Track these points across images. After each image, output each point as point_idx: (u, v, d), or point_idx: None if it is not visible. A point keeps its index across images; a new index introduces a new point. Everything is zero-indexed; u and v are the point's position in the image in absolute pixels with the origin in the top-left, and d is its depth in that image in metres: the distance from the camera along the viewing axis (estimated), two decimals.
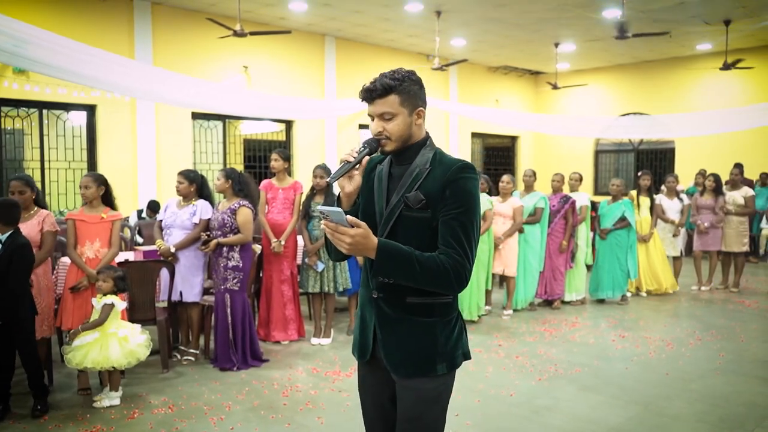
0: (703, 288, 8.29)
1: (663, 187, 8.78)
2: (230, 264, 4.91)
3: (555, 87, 13.34)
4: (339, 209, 1.77)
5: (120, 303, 4.20)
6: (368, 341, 2.07)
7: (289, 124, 11.74)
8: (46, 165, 9.02)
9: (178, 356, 5.20)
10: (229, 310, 4.90)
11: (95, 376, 4.44)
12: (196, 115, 10.36)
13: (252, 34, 9.12)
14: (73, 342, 4.02)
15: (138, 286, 4.76)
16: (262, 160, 11.44)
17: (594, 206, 8.17)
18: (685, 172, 11.81)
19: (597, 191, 15.09)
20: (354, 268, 5.86)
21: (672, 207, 8.21)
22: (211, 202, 5.24)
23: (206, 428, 3.82)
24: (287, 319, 5.71)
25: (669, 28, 10.98)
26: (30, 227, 4.24)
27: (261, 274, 5.83)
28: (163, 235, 5.17)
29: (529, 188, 7.15)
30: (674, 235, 8.21)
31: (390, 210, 1.98)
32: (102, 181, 4.53)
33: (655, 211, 7.90)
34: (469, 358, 2.10)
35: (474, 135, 15.11)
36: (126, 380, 4.55)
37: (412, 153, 2.00)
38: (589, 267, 7.75)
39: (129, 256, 5.54)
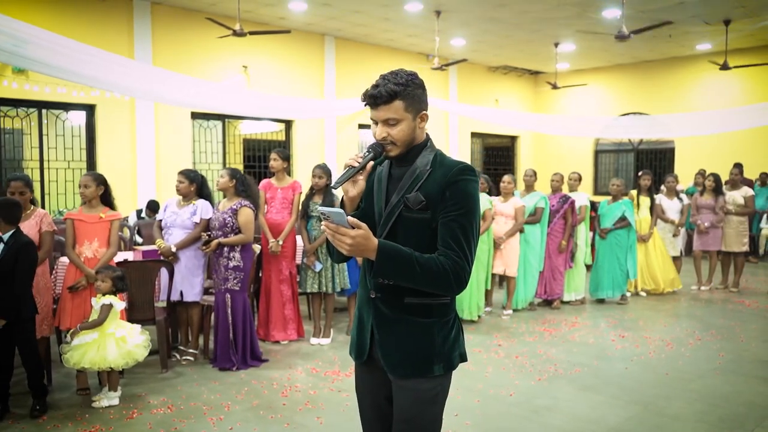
0: (702, 288, 8.29)
1: (663, 187, 8.78)
2: (231, 264, 4.90)
3: (555, 87, 13.34)
4: (340, 210, 1.76)
5: (119, 303, 4.19)
6: (365, 341, 2.06)
7: (288, 123, 11.74)
8: (45, 165, 9.02)
9: (178, 356, 5.20)
10: (229, 310, 4.90)
11: (94, 376, 4.43)
12: (195, 115, 10.36)
13: (251, 33, 9.12)
14: (72, 341, 4.01)
15: (137, 286, 4.76)
16: (261, 159, 11.44)
17: (593, 206, 8.16)
18: (684, 172, 11.81)
19: (597, 191, 15.09)
20: (353, 268, 5.85)
21: (672, 207, 8.20)
22: (211, 202, 5.23)
23: (205, 428, 3.82)
24: (286, 319, 5.70)
25: (669, 28, 10.98)
26: (29, 227, 4.23)
27: (260, 274, 5.82)
28: (163, 234, 5.16)
29: (529, 188, 7.15)
30: (674, 235, 8.21)
31: (389, 211, 1.98)
32: (101, 181, 4.53)
33: (655, 211, 7.89)
34: (466, 359, 2.10)
35: (474, 135, 15.11)
36: (125, 380, 4.55)
37: (413, 155, 2.00)
38: (588, 267, 7.75)
39: (128, 255, 5.53)
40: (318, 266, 5.58)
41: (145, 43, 9.53)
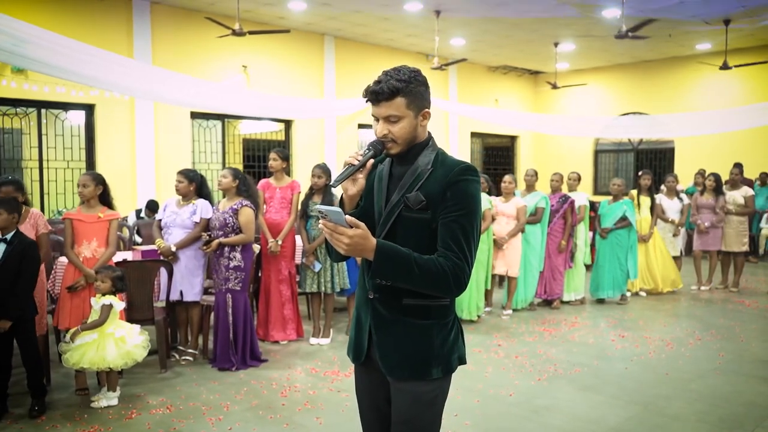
0: (702, 288, 8.28)
1: (663, 187, 8.77)
2: (232, 264, 4.89)
3: (554, 87, 13.33)
4: (338, 209, 1.74)
5: (119, 303, 4.18)
6: (363, 343, 2.03)
7: (288, 123, 11.73)
8: (45, 164, 9.01)
9: (177, 356, 5.19)
10: (230, 310, 4.89)
11: (93, 376, 4.42)
12: (195, 115, 10.35)
13: (251, 33, 9.11)
14: (74, 342, 4.01)
15: (136, 286, 4.75)
16: (261, 159, 11.42)
17: (593, 206, 8.16)
18: (684, 172, 11.80)
19: (596, 191, 15.09)
20: (353, 268, 5.84)
21: (672, 207, 8.20)
22: (211, 202, 5.22)
23: (204, 428, 3.81)
24: (286, 318, 5.69)
25: (668, 28, 10.98)
26: (25, 230, 4.22)
27: (260, 274, 5.81)
28: (162, 234, 5.15)
29: (530, 188, 7.14)
30: (674, 235, 8.20)
31: (389, 210, 1.95)
32: (100, 181, 4.52)
33: (655, 211, 7.89)
34: (465, 362, 2.07)
35: (473, 135, 15.10)
36: (124, 380, 4.54)
37: (415, 153, 1.97)
38: (587, 267, 7.74)
39: (127, 255, 5.52)
40: (317, 266, 5.57)
41: (144, 43, 9.52)
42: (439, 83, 13.59)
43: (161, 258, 5.03)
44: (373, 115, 1.94)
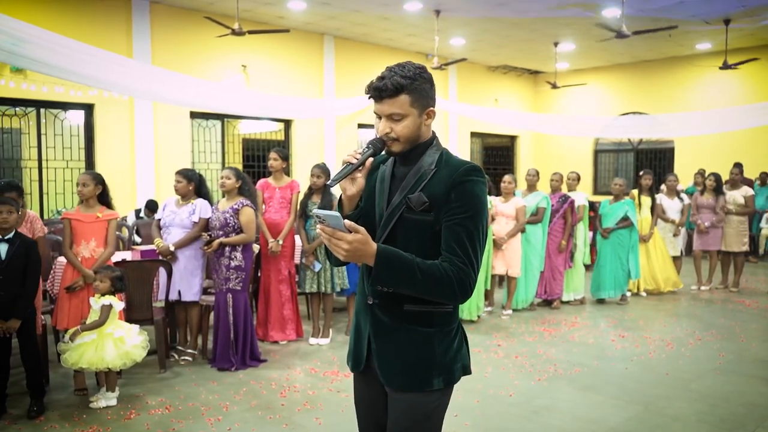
0: (702, 288, 8.27)
1: (663, 187, 8.77)
2: (233, 264, 4.88)
3: (554, 86, 13.32)
4: (336, 213, 1.67)
5: (118, 303, 4.18)
6: (362, 351, 1.94)
7: (287, 123, 11.72)
8: (44, 164, 9.00)
9: (176, 356, 5.17)
10: (231, 310, 4.88)
11: (92, 377, 4.41)
12: (194, 115, 10.33)
13: (250, 33, 9.10)
14: (73, 342, 4.00)
15: (135, 286, 4.74)
16: (260, 159, 11.41)
17: (593, 206, 8.14)
18: (684, 172, 11.78)
19: (596, 191, 15.09)
20: (353, 268, 5.82)
21: (672, 206, 8.19)
22: (210, 201, 5.21)
23: (203, 429, 3.79)
24: (285, 319, 5.68)
25: (668, 28, 10.96)
26: (22, 232, 4.21)
27: (259, 274, 5.80)
28: (161, 234, 5.14)
29: (531, 188, 7.13)
30: (674, 235, 8.19)
31: (390, 211, 1.86)
32: (100, 180, 4.51)
33: (656, 211, 7.88)
34: (469, 372, 1.98)
35: (473, 134, 15.09)
36: (123, 380, 4.52)
37: (418, 153, 1.89)
38: (587, 267, 7.73)
39: (126, 255, 5.51)
40: (317, 266, 5.56)
41: (143, 43, 9.50)
42: (438, 83, 13.29)
43: (160, 258, 5.02)
44: (375, 112, 1.86)
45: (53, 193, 9.11)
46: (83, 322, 4.13)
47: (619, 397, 4.33)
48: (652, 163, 14.43)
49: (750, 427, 3.83)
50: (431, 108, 1.89)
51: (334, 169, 9.63)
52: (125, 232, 7.82)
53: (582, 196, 7.51)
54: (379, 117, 1.86)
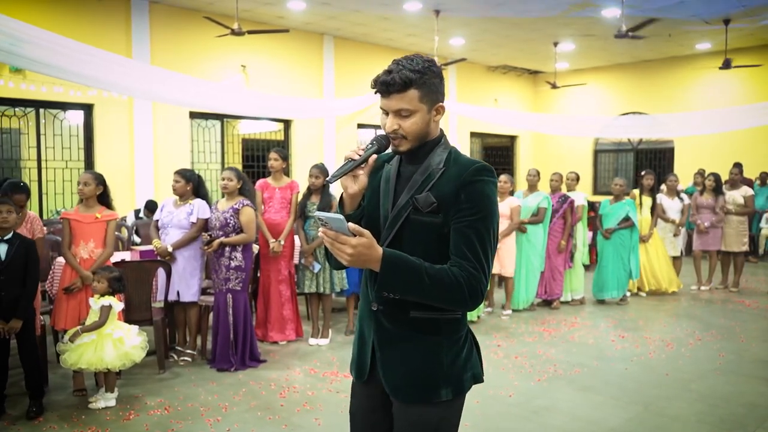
0: (702, 288, 8.26)
1: (663, 187, 8.76)
2: (233, 264, 4.87)
3: (554, 86, 13.32)
4: (339, 216, 1.56)
5: (117, 304, 4.17)
6: (366, 359, 1.85)
7: (287, 123, 11.70)
8: (43, 164, 8.98)
9: (175, 357, 5.17)
10: (231, 311, 4.87)
11: (91, 377, 4.40)
12: (193, 115, 10.32)
13: (250, 33, 9.08)
14: (73, 342, 4.00)
15: (134, 286, 4.73)
16: (260, 159, 11.40)
17: (593, 206, 8.13)
18: (684, 172, 11.77)
19: (596, 191, 15.08)
20: (352, 268, 5.81)
21: (672, 206, 8.18)
22: (208, 202, 5.20)
23: (203, 429, 3.79)
24: (285, 319, 5.67)
25: (668, 28, 10.96)
26: (21, 232, 4.21)
27: (258, 274, 5.80)
28: (159, 234, 5.13)
29: (532, 188, 7.12)
30: (675, 235, 8.19)
31: (396, 213, 1.76)
32: (101, 181, 4.51)
33: (656, 211, 7.87)
34: (481, 380, 1.88)
35: (473, 134, 15.08)
36: (122, 381, 4.52)
37: (426, 151, 1.80)
38: (586, 267, 7.72)
39: (125, 256, 5.50)
40: (316, 267, 5.55)
41: (143, 43, 9.49)
42: None
43: (159, 258, 5.01)
44: (381, 108, 1.76)
45: (52, 194, 9.09)
46: (82, 322, 4.12)
47: (619, 398, 4.32)
48: (651, 163, 14.42)
49: (750, 427, 3.83)
50: (441, 103, 1.81)
51: (334, 170, 9.63)
52: (124, 233, 7.80)
53: (581, 196, 7.50)
54: (386, 113, 1.77)
